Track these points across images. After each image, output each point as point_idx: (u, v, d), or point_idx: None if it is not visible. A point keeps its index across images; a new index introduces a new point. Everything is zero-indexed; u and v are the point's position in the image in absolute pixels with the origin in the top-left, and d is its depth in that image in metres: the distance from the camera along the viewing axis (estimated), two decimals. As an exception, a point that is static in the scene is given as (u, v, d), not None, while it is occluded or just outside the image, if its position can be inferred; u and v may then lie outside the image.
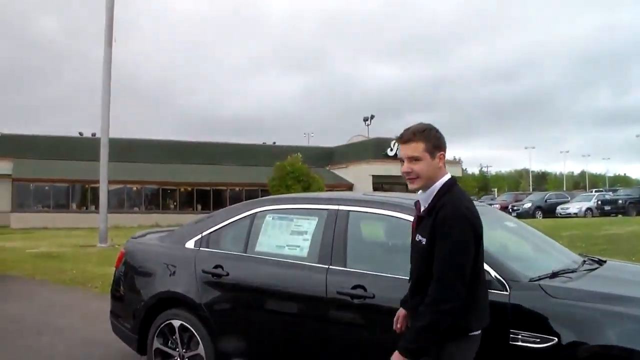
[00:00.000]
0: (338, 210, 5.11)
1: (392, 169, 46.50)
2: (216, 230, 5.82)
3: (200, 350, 5.52)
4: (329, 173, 48.73)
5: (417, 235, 3.43)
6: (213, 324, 5.45)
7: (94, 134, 45.66)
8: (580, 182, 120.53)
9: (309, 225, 5.25)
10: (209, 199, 45.79)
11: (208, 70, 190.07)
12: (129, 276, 6.31)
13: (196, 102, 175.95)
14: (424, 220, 3.39)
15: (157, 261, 6.05)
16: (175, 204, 46.23)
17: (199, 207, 45.44)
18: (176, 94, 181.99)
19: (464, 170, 62.64)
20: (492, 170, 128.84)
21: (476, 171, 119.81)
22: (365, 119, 62.61)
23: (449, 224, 3.23)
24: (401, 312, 3.82)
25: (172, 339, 5.75)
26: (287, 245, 5.27)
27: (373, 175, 47.24)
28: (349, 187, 48.08)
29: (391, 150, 48.89)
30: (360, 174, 47.95)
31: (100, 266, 15.23)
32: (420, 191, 3.48)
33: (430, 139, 3.38)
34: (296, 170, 36.55)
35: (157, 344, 5.82)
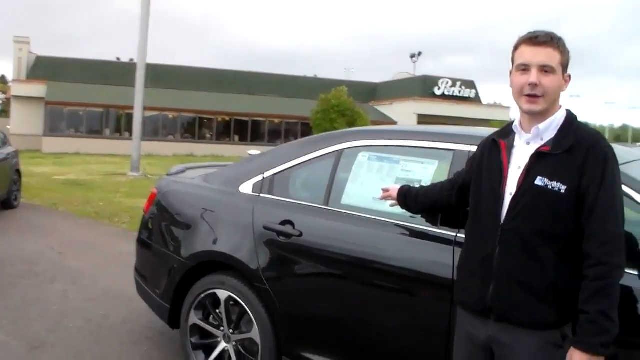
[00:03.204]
0: (470, 152, 3.40)
1: (439, 108, 44.88)
2: (285, 170, 4.19)
3: (255, 334, 4.01)
4: (372, 109, 46.49)
5: (541, 178, 2.50)
6: (275, 301, 3.89)
7: (131, 59, 44.08)
8: (621, 135, 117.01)
9: (425, 171, 3.63)
10: (246, 130, 44.14)
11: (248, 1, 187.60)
12: (161, 226, 4.74)
13: (236, 34, 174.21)
14: (551, 159, 2.52)
15: (200, 208, 4.44)
16: (211, 134, 44.41)
17: (236, 138, 43.90)
18: (216, 24, 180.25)
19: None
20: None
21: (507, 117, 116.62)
22: (412, 56, 60.14)
23: (612, 170, 2.48)
24: (394, 192, 3.39)
25: (215, 314, 4.25)
26: (389, 199, 3.61)
27: (418, 114, 45.18)
28: (392, 124, 45.95)
29: (439, 89, 47.20)
30: (404, 112, 45.68)
31: (130, 197, 13.93)
32: (520, 117, 2.69)
33: (566, 51, 2.60)
34: (341, 104, 34.57)
35: (194, 318, 4.33)
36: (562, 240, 2.48)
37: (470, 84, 48.96)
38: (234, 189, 4.32)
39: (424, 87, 47.73)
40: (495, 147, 2.73)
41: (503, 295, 2.53)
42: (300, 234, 3.79)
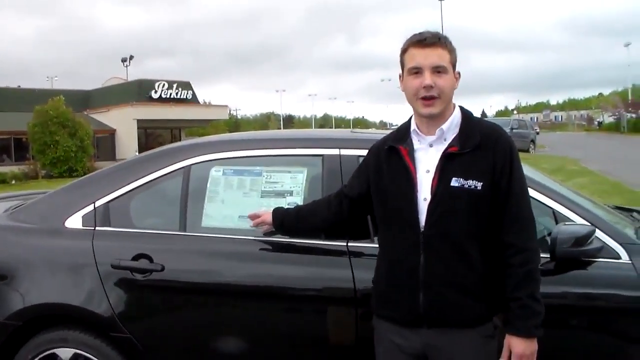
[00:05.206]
0: (341, 155, 3.33)
1: (159, 112, 44.22)
2: (121, 196, 3.61)
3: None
4: (88, 118, 44.26)
5: (456, 178, 2.50)
6: (140, 350, 3.37)
7: None
8: (324, 125, 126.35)
9: (294, 180, 3.41)
10: (-47, 152, 39.91)
11: None
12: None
13: None
14: (462, 158, 2.52)
15: (16, 254, 3.67)
16: None
17: (-57, 162, 39.50)
18: None
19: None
20: (240, 114, 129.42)
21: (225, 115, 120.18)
22: (124, 60, 58.28)
23: (518, 158, 2.58)
24: (267, 216, 3.09)
25: (55, 378, 3.55)
26: (259, 215, 3.31)
27: (138, 120, 44.09)
28: (112, 132, 44.70)
29: (155, 92, 45.89)
30: (123, 118, 44.21)
31: None
32: (416, 121, 2.65)
33: (453, 49, 2.62)
34: (60, 115, 32.65)
35: (27, 387, 3.57)
36: (485, 235, 2.52)
37: (186, 85, 48.63)
38: (58, 225, 3.64)
39: (140, 91, 46.19)
40: (394, 153, 2.66)
41: (436, 302, 2.50)
42: (162, 268, 3.31)
